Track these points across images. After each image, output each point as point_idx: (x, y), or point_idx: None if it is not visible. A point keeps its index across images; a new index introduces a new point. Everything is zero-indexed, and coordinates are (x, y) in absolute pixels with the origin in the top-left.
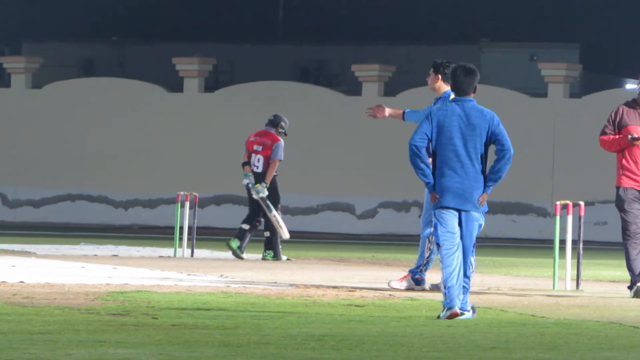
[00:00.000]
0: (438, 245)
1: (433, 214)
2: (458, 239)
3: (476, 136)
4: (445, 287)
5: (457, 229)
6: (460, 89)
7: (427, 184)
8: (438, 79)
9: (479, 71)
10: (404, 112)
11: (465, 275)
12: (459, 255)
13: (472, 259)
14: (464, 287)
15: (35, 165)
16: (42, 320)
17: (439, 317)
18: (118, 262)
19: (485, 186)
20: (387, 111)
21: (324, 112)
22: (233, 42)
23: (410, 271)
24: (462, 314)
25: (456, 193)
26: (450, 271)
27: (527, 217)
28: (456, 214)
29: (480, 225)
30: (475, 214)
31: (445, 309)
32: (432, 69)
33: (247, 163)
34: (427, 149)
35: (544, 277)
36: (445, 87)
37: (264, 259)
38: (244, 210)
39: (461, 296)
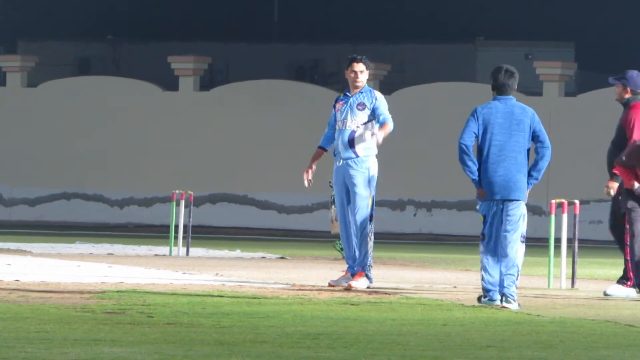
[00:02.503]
0: (483, 235)
1: (481, 208)
2: None
3: (520, 131)
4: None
5: (500, 220)
6: (503, 89)
7: (473, 180)
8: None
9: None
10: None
11: (509, 266)
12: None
13: (522, 248)
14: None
15: (30, 164)
16: (37, 319)
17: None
18: (113, 260)
19: (528, 183)
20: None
21: (320, 111)
22: (228, 41)
23: (351, 270)
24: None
25: (501, 185)
26: (487, 279)
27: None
28: (501, 205)
29: (524, 216)
30: (521, 203)
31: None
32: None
33: None
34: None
35: (540, 276)
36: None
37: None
38: (240, 209)
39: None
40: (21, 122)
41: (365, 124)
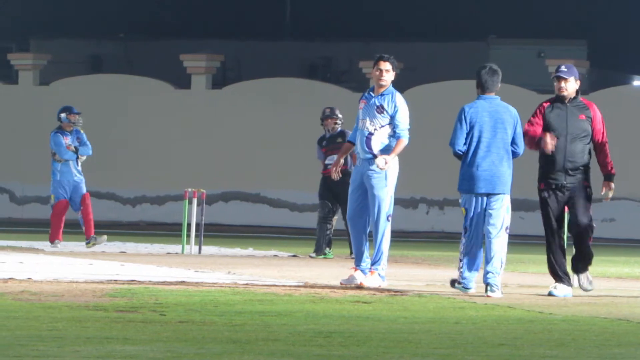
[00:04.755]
0: (465, 229)
1: (463, 200)
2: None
3: (504, 129)
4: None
5: (482, 214)
6: (486, 86)
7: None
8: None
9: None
10: (350, 142)
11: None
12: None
13: (506, 239)
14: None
15: (43, 162)
16: (49, 317)
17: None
18: (126, 258)
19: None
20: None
21: None
22: (240, 39)
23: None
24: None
25: (486, 179)
26: (465, 271)
27: (535, 214)
28: (485, 199)
29: (508, 208)
30: (505, 196)
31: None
32: None
33: None
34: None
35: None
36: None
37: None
38: (252, 207)
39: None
40: (33, 120)
41: (383, 127)
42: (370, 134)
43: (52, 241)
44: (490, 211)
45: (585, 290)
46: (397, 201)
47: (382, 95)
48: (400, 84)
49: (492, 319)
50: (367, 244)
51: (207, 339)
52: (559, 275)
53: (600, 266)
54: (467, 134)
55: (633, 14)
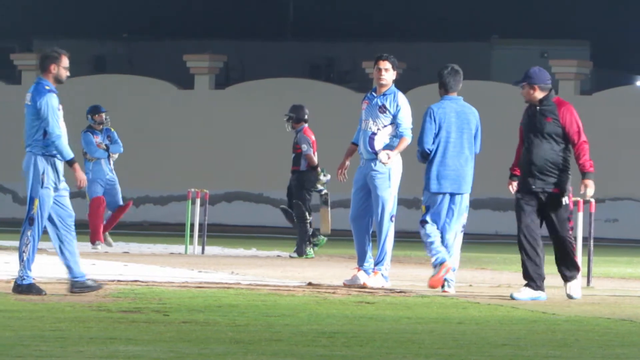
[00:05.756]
0: (423, 223)
1: (426, 197)
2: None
3: (468, 129)
4: (432, 249)
5: (444, 213)
6: (448, 86)
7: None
8: None
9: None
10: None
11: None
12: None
13: (460, 238)
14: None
15: None
16: (53, 317)
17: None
18: (129, 259)
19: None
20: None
21: (335, 109)
22: (244, 39)
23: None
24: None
25: (453, 179)
26: (436, 246)
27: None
28: (449, 197)
29: (467, 208)
30: (466, 195)
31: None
32: None
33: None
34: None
35: (555, 274)
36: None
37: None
38: (255, 207)
39: None
40: None
41: (386, 126)
42: (374, 134)
43: (92, 242)
44: (453, 210)
45: (570, 298)
46: (401, 201)
47: (384, 95)
48: (403, 85)
49: (495, 319)
50: (370, 244)
51: (210, 339)
52: (527, 276)
53: (603, 266)
54: (437, 134)
55: (636, 14)
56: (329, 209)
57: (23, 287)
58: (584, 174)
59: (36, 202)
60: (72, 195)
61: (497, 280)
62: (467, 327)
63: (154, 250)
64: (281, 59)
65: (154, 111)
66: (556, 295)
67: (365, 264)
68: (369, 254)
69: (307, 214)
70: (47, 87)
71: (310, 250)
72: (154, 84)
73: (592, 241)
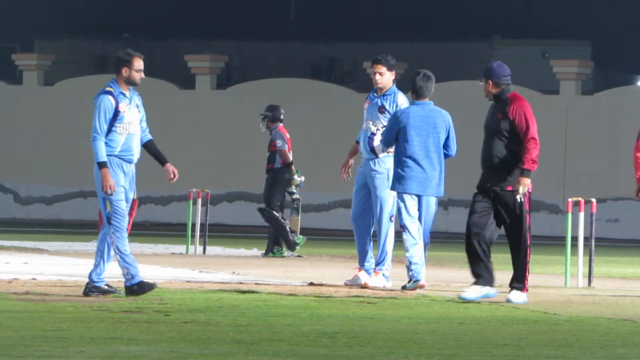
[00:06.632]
0: (403, 227)
1: (397, 200)
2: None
3: (435, 133)
4: (412, 264)
5: (416, 212)
6: (420, 92)
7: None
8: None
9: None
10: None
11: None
12: (421, 234)
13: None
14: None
15: (47, 162)
16: (54, 318)
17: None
18: None
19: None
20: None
21: (336, 109)
22: (245, 40)
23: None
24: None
25: (419, 181)
26: (418, 249)
27: (539, 214)
28: (416, 199)
29: (435, 210)
30: (433, 198)
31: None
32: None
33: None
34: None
35: (556, 274)
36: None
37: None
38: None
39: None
40: (38, 121)
41: (385, 127)
42: (373, 134)
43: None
44: (421, 212)
45: (509, 301)
46: None
47: (384, 95)
48: (403, 85)
49: (496, 319)
50: (371, 244)
51: (211, 339)
52: (474, 273)
53: (605, 267)
54: (401, 138)
55: (637, 14)
56: (299, 217)
57: (134, 287)
58: (522, 171)
59: (108, 202)
60: (73, 195)
61: (498, 280)
62: (468, 327)
63: (156, 250)
64: (282, 59)
65: (155, 111)
66: (557, 295)
67: (366, 264)
68: (370, 253)
69: (277, 215)
70: (107, 88)
71: (278, 248)
72: (155, 84)
73: (593, 241)
